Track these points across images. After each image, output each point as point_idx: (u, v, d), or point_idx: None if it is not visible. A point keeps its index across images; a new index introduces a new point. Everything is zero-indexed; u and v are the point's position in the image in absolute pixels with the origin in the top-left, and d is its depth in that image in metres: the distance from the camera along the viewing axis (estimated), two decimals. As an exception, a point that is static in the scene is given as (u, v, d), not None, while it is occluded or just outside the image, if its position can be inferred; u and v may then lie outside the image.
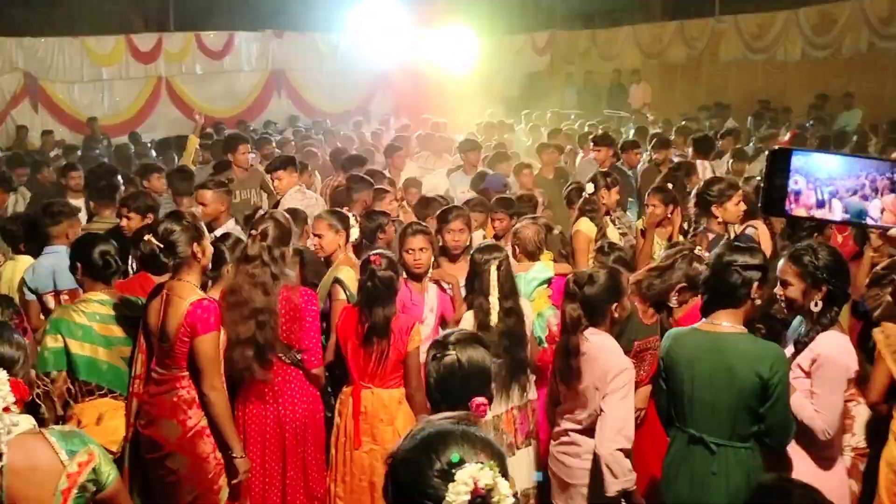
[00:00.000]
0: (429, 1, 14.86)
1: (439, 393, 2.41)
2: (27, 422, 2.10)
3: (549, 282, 4.46)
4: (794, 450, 3.04)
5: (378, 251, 3.89)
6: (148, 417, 3.54)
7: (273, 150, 9.55)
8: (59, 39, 14.42)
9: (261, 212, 4.87)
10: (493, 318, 3.75)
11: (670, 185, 5.67)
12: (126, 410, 3.70)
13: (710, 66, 16.18)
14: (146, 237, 3.41)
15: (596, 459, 3.19)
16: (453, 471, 1.33)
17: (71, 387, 3.71)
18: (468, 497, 1.31)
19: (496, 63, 15.98)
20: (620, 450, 3.12)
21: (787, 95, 14.43)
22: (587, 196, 5.55)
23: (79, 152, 11.47)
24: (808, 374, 3.02)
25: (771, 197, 1.11)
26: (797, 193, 1.10)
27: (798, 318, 3.18)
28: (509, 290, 3.82)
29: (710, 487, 2.89)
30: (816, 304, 3.00)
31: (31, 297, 4.65)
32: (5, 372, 2.02)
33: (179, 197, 6.23)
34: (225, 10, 15.94)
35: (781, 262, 3.12)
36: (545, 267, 4.51)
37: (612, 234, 5.50)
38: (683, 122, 11.87)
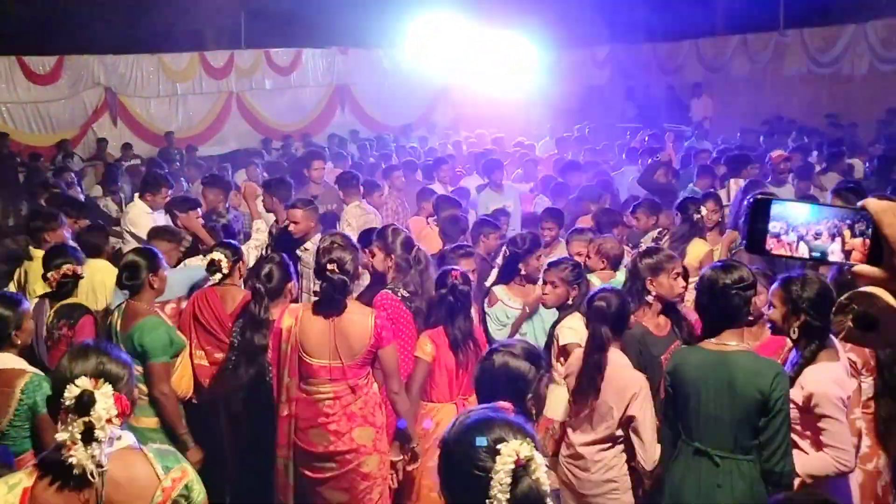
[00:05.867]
0: (489, 14, 15.03)
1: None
2: (128, 437, 2.28)
3: None
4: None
5: (454, 268, 4.14)
6: (339, 432, 3.70)
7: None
8: (137, 56, 15.04)
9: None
10: None
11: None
12: (283, 431, 3.79)
13: (774, 80, 15.96)
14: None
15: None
16: (498, 447, 1.61)
17: None
18: (512, 466, 1.58)
19: (555, 76, 16.06)
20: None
21: (854, 110, 14.15)
22: (695, 219, 5.70)
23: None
24: (800, 409, 3.09)
25: (754, 238, 1.29)
26: (775, 235, 1.27)
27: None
28: None
29: (716, 498, 3.02)
30: (794, 332, 3.13)
31: None
32: (111, 386, 2.17)
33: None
34: (293, 27, 16.42)
35: (775, 285, 3.26)
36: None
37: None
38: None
